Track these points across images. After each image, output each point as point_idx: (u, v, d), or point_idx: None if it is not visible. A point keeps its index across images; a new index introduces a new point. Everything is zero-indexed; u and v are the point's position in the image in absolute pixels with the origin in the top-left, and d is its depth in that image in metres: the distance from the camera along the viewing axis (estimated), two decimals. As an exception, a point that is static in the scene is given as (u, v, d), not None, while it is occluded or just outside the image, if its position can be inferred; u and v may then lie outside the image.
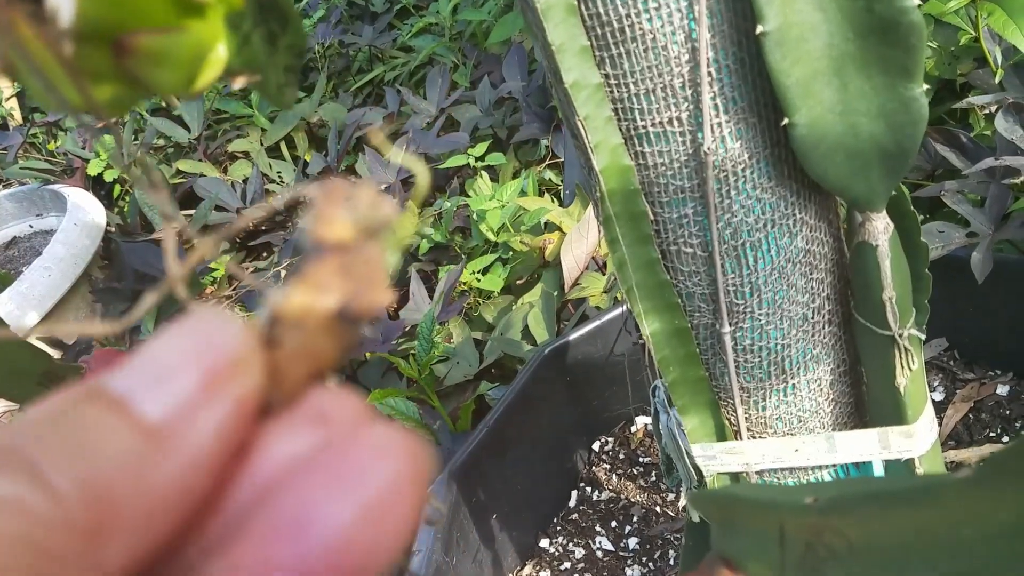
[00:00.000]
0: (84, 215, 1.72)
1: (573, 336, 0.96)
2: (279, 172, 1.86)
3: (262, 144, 1.95)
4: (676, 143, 0.45)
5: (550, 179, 1.35)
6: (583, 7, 0.43)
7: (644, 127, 0.45)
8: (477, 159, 1.40)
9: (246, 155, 1.95)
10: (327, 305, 0.13)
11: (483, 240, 1.24)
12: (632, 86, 0.44)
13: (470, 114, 1.63)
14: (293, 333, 0.13)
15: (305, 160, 1.89)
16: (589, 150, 0.46)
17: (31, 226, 2.01)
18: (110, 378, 0.13)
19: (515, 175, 1.39)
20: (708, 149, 0.44)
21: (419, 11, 2.14)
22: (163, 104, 2.10)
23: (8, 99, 2.36)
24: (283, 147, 1.94)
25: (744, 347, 0.50)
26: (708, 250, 0.47)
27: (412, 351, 1.06)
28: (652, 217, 0.48)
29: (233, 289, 1.65)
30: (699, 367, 0.52)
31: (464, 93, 1.74)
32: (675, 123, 0.44)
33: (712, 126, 0.44)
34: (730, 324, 0.49)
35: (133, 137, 2.02)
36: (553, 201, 1.20)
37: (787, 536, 0.24)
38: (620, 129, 0.46)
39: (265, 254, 1.82)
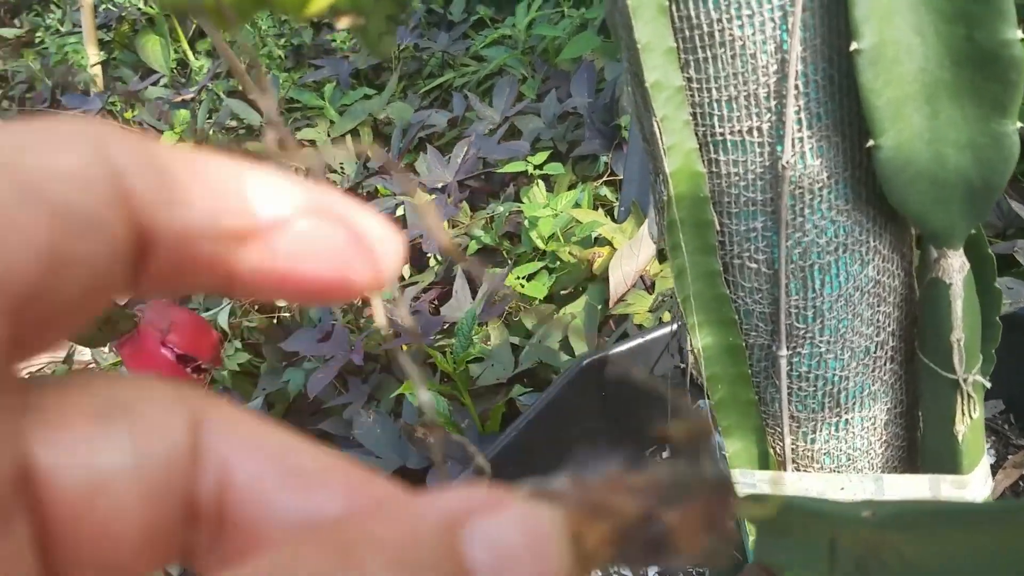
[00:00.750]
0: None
1: (613, 351, 0.95)
2: (341, 163, 1.88)
3: (328, 135, 1.97)
4: (753, 154, 0.44)
5: (605, 195, 1.34)
6: (674, 8, 0.42)
7: (722, 134, 0.44)
8: (536, 167, 1.40)
9: (312, 144, 1.98)
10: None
11: (532, 247, 1.23)
12: (715, 91, 0.43)
13: (533, 125, 1.63)
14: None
15: (368, 154, 1.91)
16: (662, 152, 0.45)
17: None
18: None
19: (571, 188, 1.38)
20: (787, 163, 0.43)
21: (495, 23, 2.16)
22: (239, 87, 2.14)
23: (94, 65, 2.41)
24: (348, 140, 1.97)
25: (800, 374, 0.49)
26: (774, 268, 0.46)
27: (449, 348, 1.06)
28: (719, 227, 0.47)
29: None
30: (749, 389, 0.50)
31: (529, 104, 1.75)
32: (755, 133, 0.43)
33: (793, 140, 0.43)
34: (788, 348, 0.48)
35: (208, 116, 2.06)
36: (606, 217, 1.19)
37: (838, 548, 0.23)
38: (696, 134, 0.45)
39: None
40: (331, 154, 1.93)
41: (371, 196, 1.71)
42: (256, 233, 0.13)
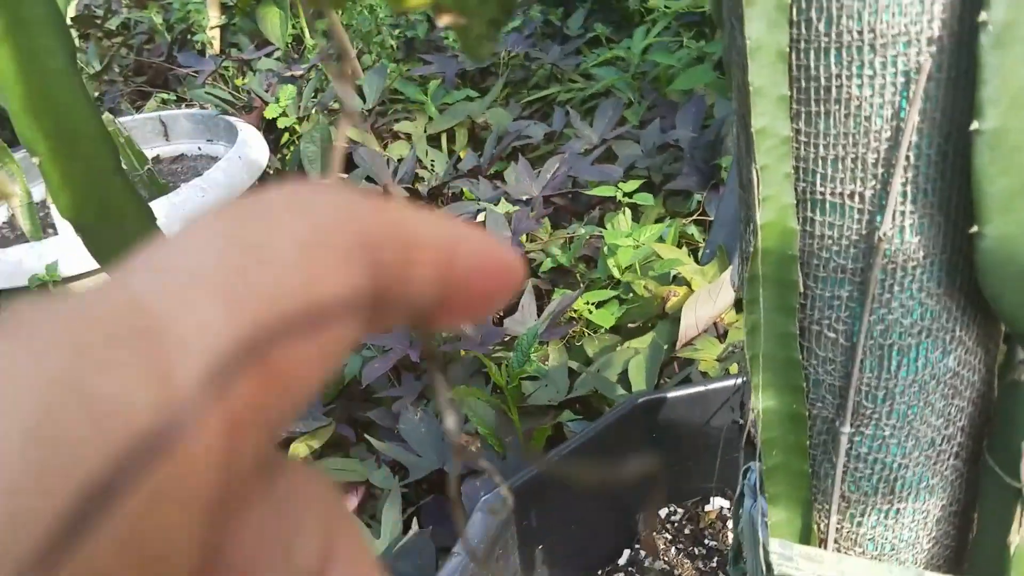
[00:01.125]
0: (249, 151, 1.80)
1: (672, 394, 0.92)
2: (432, 160, 1.90)
3: (425, 131, 1.99)
4: (851, 219, 0.42)
5: (692, 234, 1.32)
6: (793, 56, 0.41)
7: (822, 194, 0.43)
8: (625, 194, 1.39)
9: (408, 137, 2.00)
10: None
11: (607, 275, 1.22)
12: (821, 148, 0.42)
13: (630, 151, 1.62)
14: None
15: (459, 155, 1.92)
16: (756, 202, 0.43)
17: (200, 148, 2.11)
18: None
19: (658, 221, 1.36)
20: (884, 235, 0.41)
21: (610, 43, 2.15)
22: (350, 72, 2.18)
23: (212, 28, 2.49)
24: (443, 138, 1.98)
25: (859, 454, 0.46)
26: (852, 341, 0.44)
27: (506, 361, 1.05)
28: (802, 289, 0.45)
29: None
30: (804, 460, 0.48)
31: (630, 130, 1.73)
32: (856, 199, 0.42)
33: (895, 212, 0.41)
34: (852, 425, 0.46)
35: (313, 95, 2.11)
36: (689, 256, 1.17)
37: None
38: (796, 190, 0.43)
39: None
40: (423, 150, 1.95)
41: (455, 198, 1.71)
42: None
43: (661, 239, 1.20)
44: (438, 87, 2.07)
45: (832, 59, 0.40)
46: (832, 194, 0.43)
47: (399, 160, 1.90)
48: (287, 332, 0.10)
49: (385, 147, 2.01)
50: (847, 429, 0.46)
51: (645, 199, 1.37)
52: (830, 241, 0.43)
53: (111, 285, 0.10)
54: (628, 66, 1.99)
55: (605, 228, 1.31)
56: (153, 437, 0.09)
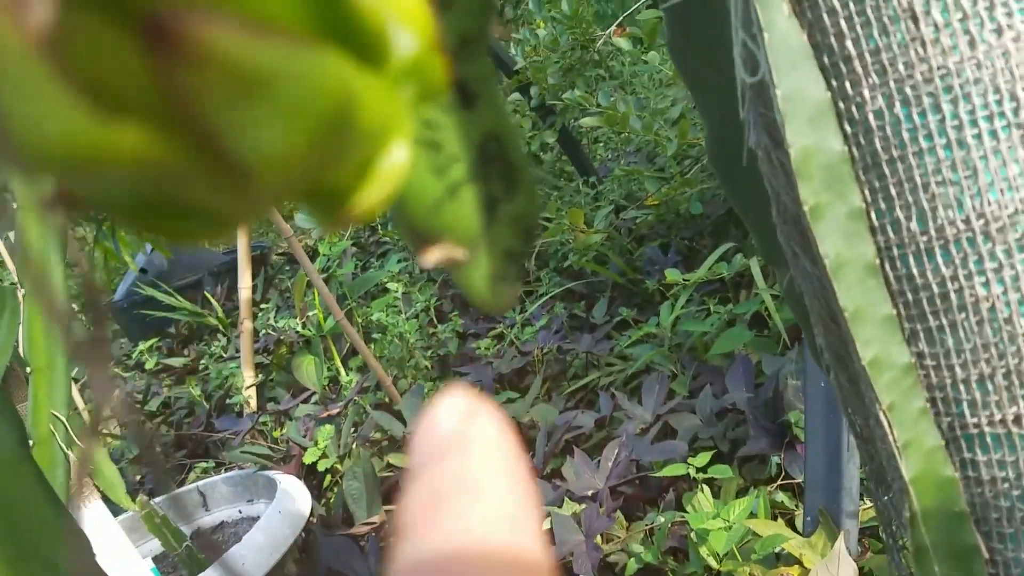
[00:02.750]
0: (290, 503, 1.72)
1: None
2: (482, 471, 1.81)
3: (470, 442, 1.92)
4: (1030, 450, 0.32)
5: (783, 502, 1.18)
6: (888, 267, 0.33)
7: (977, 425, 0.33)
8: (698, 470, 1.27)
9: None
10: None
11: (703, 566, 1.06)
12: (959, 369, 0.33)
13: (689, 423, 1.52)
14: None
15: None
16: (895, 451, 0.34)
17: (240, 511, 2.04)
18: None
19: (739, 493, 1.23)
20: (1086, 462, 0.31)
21: (638, 323, 2.14)
22: (387, 399, 2.17)
23: (248, 387, 2.53)
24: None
25: None
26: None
27: None
28: (987, 555, 0.34)
29: None
30: None
31: (682, 401, 1.65)
32: (1027, 422, 0.32)
33: (1089, 429, 0.31)
34: None
35: (352, 429, 2.07)
36: (789, 528, 1.02)
37: None
38: (940, 426, 0.34)
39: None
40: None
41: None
42: None
43: (752, 514, 1.07)
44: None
45: (940, 259, 0.32)
46: (991, 423, 0.33)
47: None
48: None
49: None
50: None
51: (721, 472, 1.25)
52: (1006, 485, 0.33)
53: None
54: (662, 340, 1.96)
55: (686, 511, 1.17)
56: None
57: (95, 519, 1.26)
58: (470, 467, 0.12)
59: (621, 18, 2.64)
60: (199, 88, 0.08)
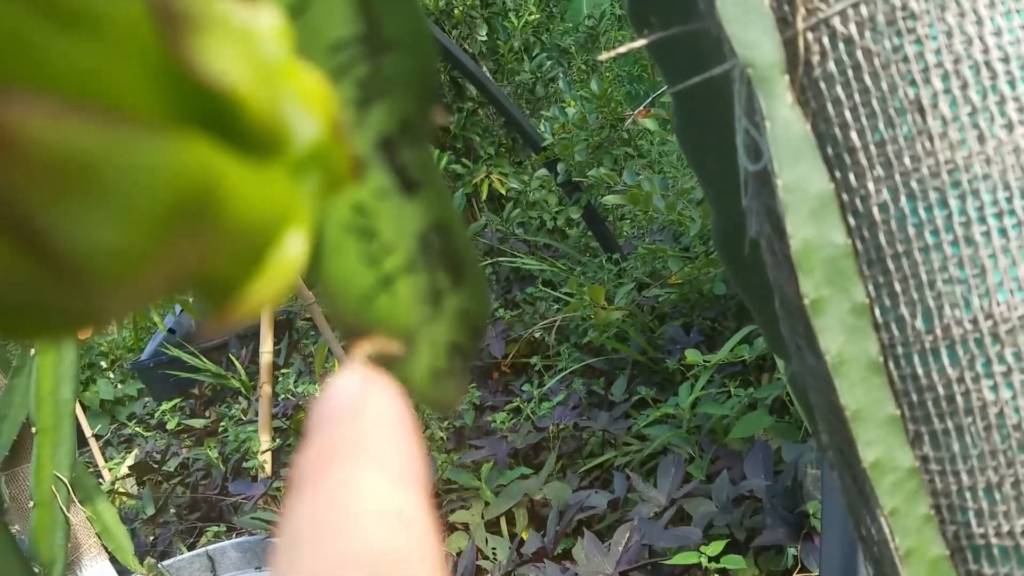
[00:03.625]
0: (298, 571, 1.69)
1: None
2: (494, 548, 1.77)
3: (483, 517, 1.89)
4: (1040, 567, 0.30)
5: (799, 596, 1.14)
6: (892, 365, 0.32)
7: (984, 536, 0.32)
8: (710, 559, 1.23)
9: (465, 527, 1.90)
10: None
11: (712, 662, 1.03)
12: (964, 476, 0.32)
13: (704, 509, 1.49)
14: None
15: (522, 538, 1.79)
16: (895, 558, 0.32)
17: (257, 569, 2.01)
18: None
19: (755, 585, 1.19)
20: (1099, 582, 0.29)
21: (657, 403, 2.11)
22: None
23: (263, 452, 2.51)
24: (502, 522, 1.87)
25: None
26: None
27: None
28: (997, 677, 0.32)
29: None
30: None
31: (698, 486, 1.61)
32: (1037, 536, 0.30)
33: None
34: None
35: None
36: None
37: None
38: (945, 535, 0.32)
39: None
40: (482, 538, 1.83)
41: (524, 587, 1.56)
42: None
43: (765, 607, 1.03)
44: (491, 470, 2.01)
45: (946, 360, 0.31)
46: (998, 535, 0.32)
47: (457, 554, 1.77)
48: None
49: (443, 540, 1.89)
50: None
51: (735, 562, 1.21)
52: (1017, 600, 0.31)
53: None
54: (680, 422, 1.93)
55: (697, 603, 1.14)
56: None
57: (97, 580, 1.25)
58: (362, 430, 0.13)
59: (651, 99, 2.68)
60: (15, 181, 0.07)
